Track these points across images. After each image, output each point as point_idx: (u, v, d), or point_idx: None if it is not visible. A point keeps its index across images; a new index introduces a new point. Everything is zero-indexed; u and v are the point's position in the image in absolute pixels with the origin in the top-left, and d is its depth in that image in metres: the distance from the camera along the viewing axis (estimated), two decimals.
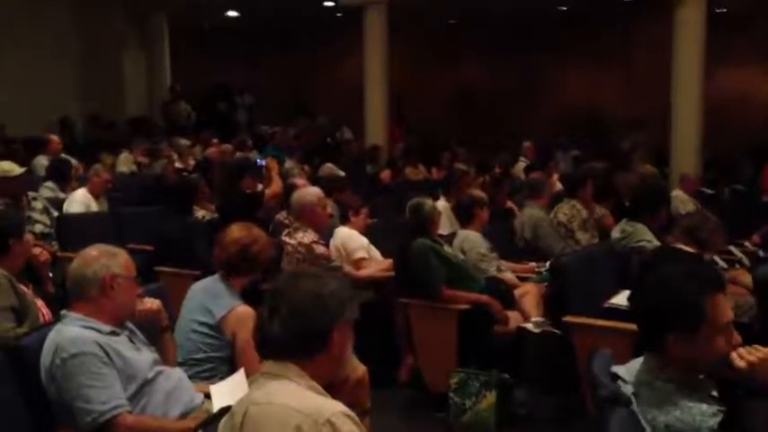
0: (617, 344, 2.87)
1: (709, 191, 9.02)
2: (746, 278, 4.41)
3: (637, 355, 2.17)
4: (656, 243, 4.60)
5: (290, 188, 5.85)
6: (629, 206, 5.32)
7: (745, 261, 5.29)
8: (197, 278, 3.55)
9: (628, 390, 2.08)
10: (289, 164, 9.25)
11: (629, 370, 2.14)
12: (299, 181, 6.48)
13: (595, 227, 6.00)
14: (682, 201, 7.41)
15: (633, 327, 2.25)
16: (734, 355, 2.01)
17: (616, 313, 3.77)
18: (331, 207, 5.71)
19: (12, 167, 5.79)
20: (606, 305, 3.88)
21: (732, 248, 5.42)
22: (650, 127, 11.89)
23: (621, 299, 3.85)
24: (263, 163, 7.21)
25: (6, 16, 11.61)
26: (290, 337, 1.78)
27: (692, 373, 2.06)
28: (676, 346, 2.01)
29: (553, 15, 14.05)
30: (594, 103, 14.16)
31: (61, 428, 2.53)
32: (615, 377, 2.15)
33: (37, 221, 5.86)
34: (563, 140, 12.30)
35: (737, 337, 2.04)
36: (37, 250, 3.74)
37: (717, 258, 4.62)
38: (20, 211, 5.41)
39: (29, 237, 3.68)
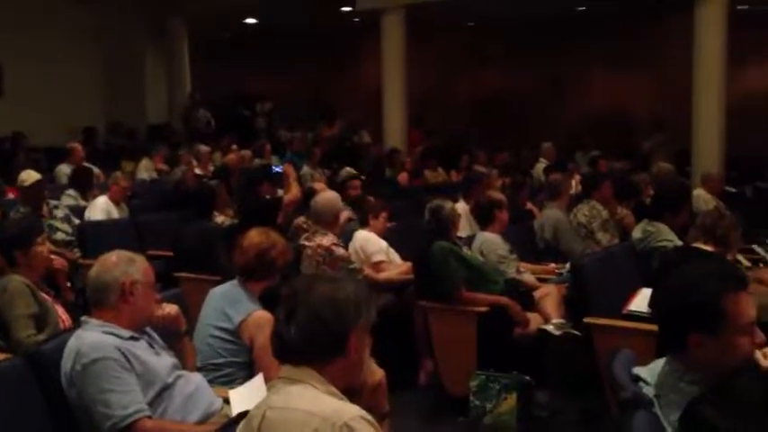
0: (638, 345, 2.84)
1: (732, 189, 8.92)
2: None
3: (659, 356, 2.14)
4: (679, 243, 4.56)
5: (309, 192, 5.87)
6: (651, 206, 5.27)
7: None
8: (217, 283, 3.55)
9: (649, 392, 2.05)
10: (305, 169, 9.28)
11: (651, 371, 2.11)
12: (318, 185, 6.50)
13: (616, 227, 5.95)
14: (704, 200, 7.33)
15: (655, 328, 2.22)
16: (759, 354, 1.97)
17: (637, 317, 3.74)
18: (348, 211, 5.73)
19: (27, 176, 5.86)
20: (625, 311, 3.84)
21: (756, 247, 5.36)
22: (675, 126, 11.76)
23: (641, 302, 3.81)
24: (280, 170, 7.24)
25: (27, 28, 11.76)
26: (307, 341, 1.78)
27: (716, 374, 2.02)
28: (699, 346, 1.97)
29: (574, 16, 13.96)
30: (618, 103, 14.04)
31: None
32: (637, 379, 2.12)
33: (59, 229, 5.93)
34: (583, 141, 12.22)
35: (762, 336, 2.00)
36: (54, 259, 3.76)
37: (740, 257, 4.57)
38: (37, 219, 5.45)
39: (46, 245, 3.70)
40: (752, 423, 1.45)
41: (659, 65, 13.44)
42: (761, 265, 5.04)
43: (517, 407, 4.00)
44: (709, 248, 3.93)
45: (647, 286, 3.95)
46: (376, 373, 3.16)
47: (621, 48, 13.84)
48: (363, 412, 1.71)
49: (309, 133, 12.98)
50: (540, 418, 4.14)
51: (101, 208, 6.63)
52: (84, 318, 2.66)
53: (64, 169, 8.89)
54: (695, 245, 4.04)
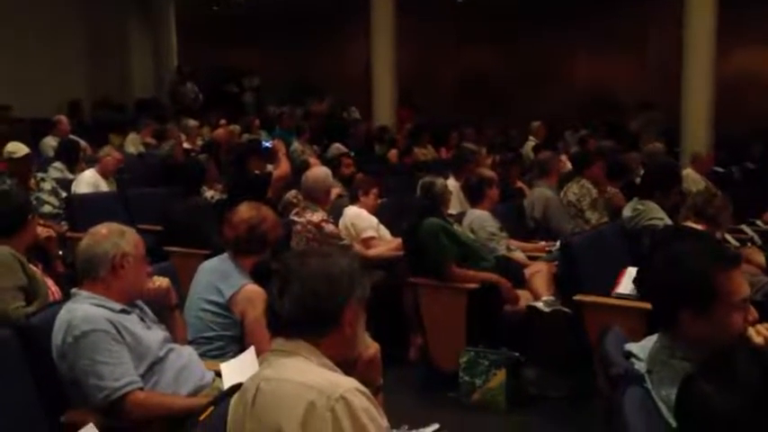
0: (628, 322, 2.85)
1: (720, 170, 8.95)
2: (759, 256, 4.39)
3: (650, 334, 2.14)
4: (668, 222, 4.57)
5: (303, 165, 5.82)
6: (641, 185, 5.28)
7: (757, 239, 5.26)
8: (206, 257, 3.53)
9: (641, 368, 2.06)
10: (295, 145, 9.23)
11: (642, 348, 2.11)
12: (313, 159, 6.47)
13: (605, 206, 5.97)
14: (693, 180, 7.35)
15: (644, 305, 2.23)
16: (751, 331, 1.98)
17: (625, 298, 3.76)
18: (339, 187, 5.71)
19: (17, 148, 5.81)
20: (614, 294, 3.85)
21: (744, 227, 5.39)
22: (663, 107, 11.77)
23: (627, 283, 3.82)
24: (269, 145, 7.20)
25: (12, 1, 11.56)
26: (301, 315, 1.76)
27: (708, 350, 2.02)
28: (691, 323, 1.97)
29: None
30: (606, 83, 14.01)
31: (72, 406, 2.54)
32: (628, 355, 2.13)
33: (46, 202, 5.89)
34: (572, 120, 12.22)
35: (754, 313, 2.00)
36: (41, 229, 3.72)
37: (729, 237, 4.60)
38: (26, 191, 5.41)
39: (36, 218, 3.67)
40: (748, 399, 1.46)
41: (647, 45, 13.42)
42: (749, 244, 5.08)
43: (506, 383, 4.03)
44: (699, 227, 3.95)
45: (637, 265, 3.97)
46: (370, 346, 3.16)
47: (610, 27, 13.78)
48: (359, 384, 1.70)
49: (298, 109, 12.89)
50: (529, 395, 4.17)
51: (88, 181, 6.57)
52: (74, 290, 2.64)
53: (49, 142, 8.80)
54: (686, 224, 4.05)
